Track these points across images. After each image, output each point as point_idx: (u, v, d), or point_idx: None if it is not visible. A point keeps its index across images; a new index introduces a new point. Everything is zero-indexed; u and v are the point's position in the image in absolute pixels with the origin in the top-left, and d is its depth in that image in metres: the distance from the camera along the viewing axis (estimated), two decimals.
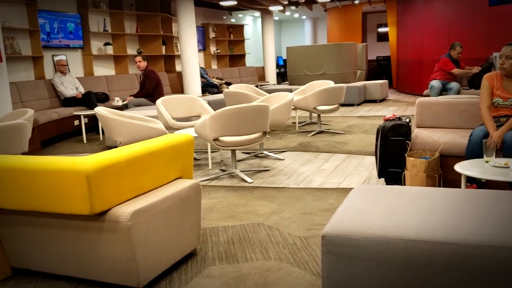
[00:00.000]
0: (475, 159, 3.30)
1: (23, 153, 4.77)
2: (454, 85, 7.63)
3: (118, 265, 2.36)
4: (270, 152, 5.72)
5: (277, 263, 2.70)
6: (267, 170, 4.97)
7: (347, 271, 1.99)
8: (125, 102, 7.66)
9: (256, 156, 5.65)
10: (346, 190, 4.09)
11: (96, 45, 9.37)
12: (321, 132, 7.10)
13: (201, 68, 10.63)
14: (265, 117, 4.52)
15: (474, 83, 7.56)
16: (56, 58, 8.33)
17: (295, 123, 7.97)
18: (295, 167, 5.03)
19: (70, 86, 8.02)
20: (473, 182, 3.52)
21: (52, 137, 7.17)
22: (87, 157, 2.23)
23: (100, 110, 4.68)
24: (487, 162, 3.12)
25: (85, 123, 7.41)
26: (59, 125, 7.28)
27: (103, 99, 8.27)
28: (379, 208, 2.19)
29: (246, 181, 4.53)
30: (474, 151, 3.44)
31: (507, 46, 3.63)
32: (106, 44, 9.53)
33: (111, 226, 2.31)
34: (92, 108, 7.54)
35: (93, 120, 7.88)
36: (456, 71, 7.60)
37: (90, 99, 7.77)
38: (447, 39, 10.43)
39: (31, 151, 5.69)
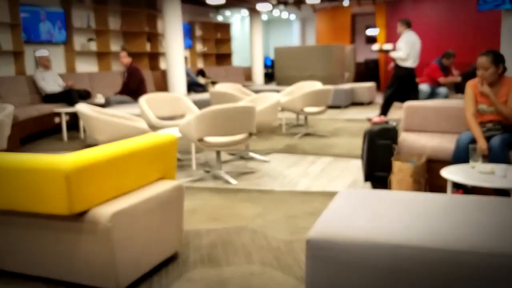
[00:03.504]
0: (461, 164, 3.29)
1: (2, 150, 4.64)
2: (442, 90, 7.71)
3: (97, 267, 2.29)
4: (255, 153, 5.66)
5: (260, 267, 2.65)
6: (252, 172, 4.92)
7: (331, 276, 1.95)
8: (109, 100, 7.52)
9: (242, 158, 5.59)
10: (332, 194, 4.04)
11: (79, 41, 9.18)
12: (307, 134, 7.07)
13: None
14: (251, 118, 4.46)
15: (460, 87, 7.65)
16: (38, 54, 8.14)
17: (281, 124, 7.93)
18: (280, 170, 4.98)
19: (52, 82, 7.86)
20: (459, 187, 3.51)
21: (31, 134, 7.01)
22: (67, 156, 2.17)
23: (82, 107, 4.58)
24: (473, 167, 3.11)
25: (66, 121, 7.25)
26: (39, 122, 7.10)
27: (85, 96, 8.11)
28: (365, 213, 2.16)
29: (230, 183, 4.46)
30: (461, 156, 3.43)
31: (481, 57, 3.60)
32: (90, 40, 9.37)
33: (90, 227, 2.25)
34: (73, 105, 7.39)
35: (74, 118, 7.71)
36: (442, 80, 7.75)
37: (71, 96, 7.61)
38: (436, 43, 10.50)
39: (10, 148, 5.54)
